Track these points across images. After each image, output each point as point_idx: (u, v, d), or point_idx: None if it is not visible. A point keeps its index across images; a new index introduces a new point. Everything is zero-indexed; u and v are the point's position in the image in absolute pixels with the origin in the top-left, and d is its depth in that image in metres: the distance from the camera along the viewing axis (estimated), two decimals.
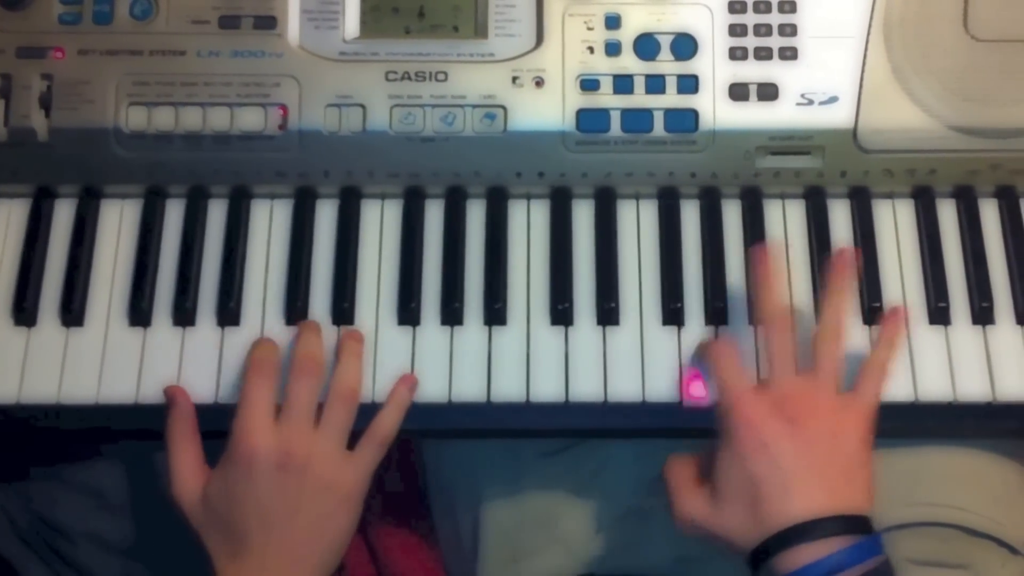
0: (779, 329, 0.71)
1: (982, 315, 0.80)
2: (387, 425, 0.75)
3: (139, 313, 0.79)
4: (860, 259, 0.79)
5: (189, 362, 0.78)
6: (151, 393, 0.77)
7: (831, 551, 0.64)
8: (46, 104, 0.79)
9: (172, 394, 0.74)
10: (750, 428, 0.66)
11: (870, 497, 0.67)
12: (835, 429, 0.67)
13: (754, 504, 0.66)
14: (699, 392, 0.75)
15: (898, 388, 0.78)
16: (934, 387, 0.78)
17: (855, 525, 0.65)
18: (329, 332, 0.79)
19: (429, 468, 0.90)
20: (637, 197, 0.82)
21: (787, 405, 0.67)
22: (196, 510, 0.72)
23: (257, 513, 0.70)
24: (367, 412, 0.76)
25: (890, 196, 0.83)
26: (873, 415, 0.70)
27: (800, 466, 0.66)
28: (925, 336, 0.80)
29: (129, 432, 0.80)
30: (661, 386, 0.78)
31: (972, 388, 0.78)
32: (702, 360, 0.74)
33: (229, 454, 0.71)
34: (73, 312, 0.79)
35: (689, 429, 0.78)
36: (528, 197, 0.82)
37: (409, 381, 0.76)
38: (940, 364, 0.79)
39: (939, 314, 0.80)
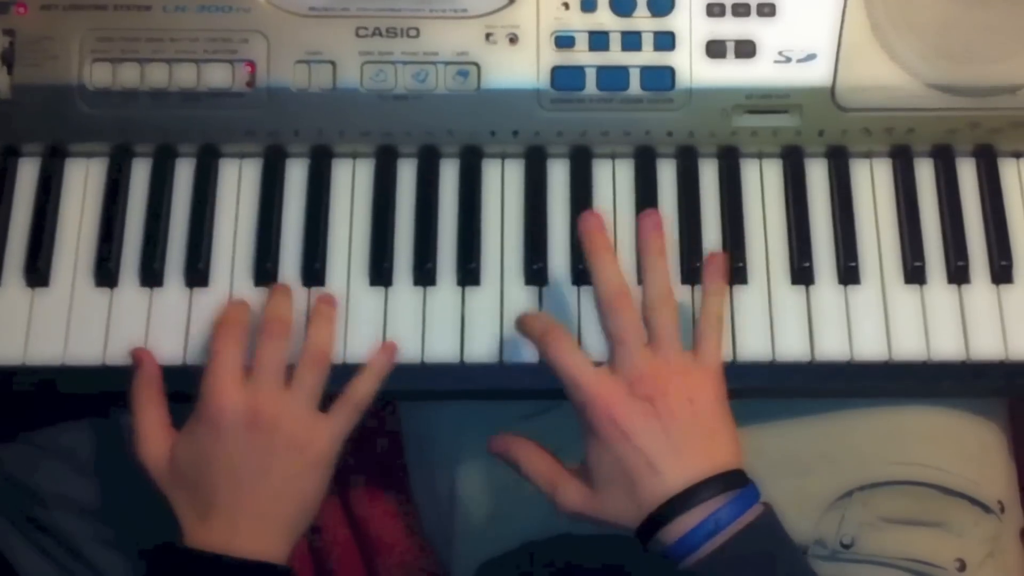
0: (620, 306, 0.69)
1: (958, 274, 0.79)
2: (362, 391, 0.74)
3: (106, 273, 0.78)
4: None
5: (157, 323, 0.77)
6: (119, 354, 0.76)
7: (709, 512, 0.65)
8: (8, 60, 0.77)
9: (138, 356, 0.74)
10: (611, 420, 0.67)
11: (737, 450, 0.68)
12: (690, 395, 0.68)
13: (630, 488, 0.66)
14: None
15: (872, 347, 0.78)
16: (909, 346, 0.78)
17: (728, 481, 0.66)
18: (300, 294, 0.78)
19: (407, 430, 0.90)
20: (613, 156, 0.81)
21: (639, 385, 0.67)
22: (163, 471, 0.71)
23: (226, 473, 0.69)
24: (338, 374, 0.75)
25: (868, 155, 0.82)
26: (720, 369, 0.70)
27: (665, 442, 0.66)
28: (900, 295, 0.79)
29: (100, 395, 0.79)
30: None
31: (947, 347, 0.78)
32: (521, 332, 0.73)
33: (198, 413, 0.71)
34: (38, 272, 0.77)
35: None
36: (502, 156, 0.81)
37: (389, 350, 0.75)
38: (915, 323, 0.79)
39: (915, 273, 0.79)
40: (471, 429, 0.85)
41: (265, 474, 0.70)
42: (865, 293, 0.79)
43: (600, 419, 0.67)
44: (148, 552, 0.81)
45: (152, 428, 0.72)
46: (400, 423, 0.89)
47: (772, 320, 0.78)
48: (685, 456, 0.66)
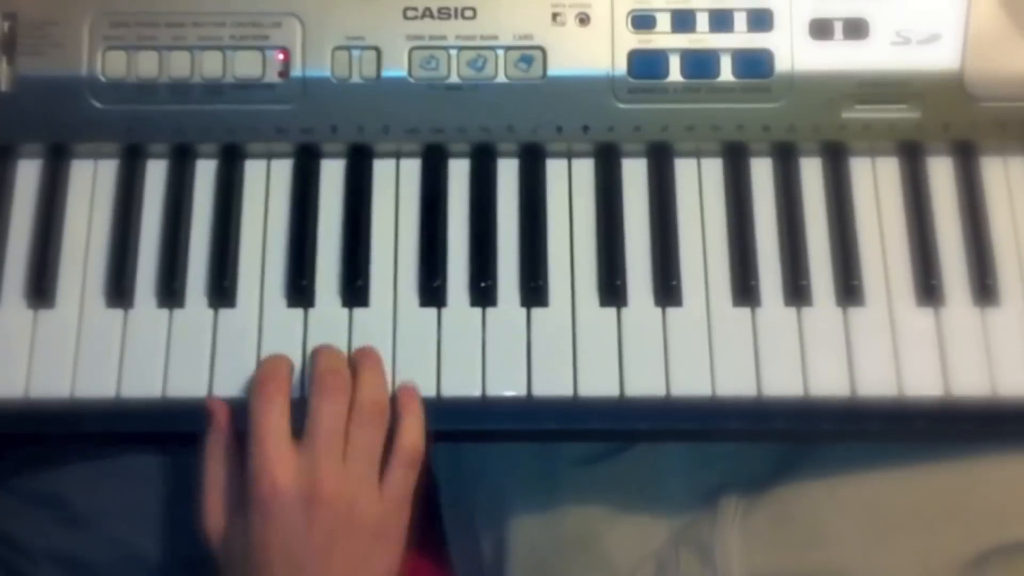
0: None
1: None
2: (412, 440, 0.66)
3: (119, 292, 0.70)
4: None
5: (178, 349, 0.70)
6: (134, 386, 0.69)
7: None
8: (9, 48, 0.71)
9: (211, 409, 0.67)
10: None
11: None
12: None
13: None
14: None
15: (1017, 380, 0.68)
16: None
17: None
18: (340, 316, 0.70)
19: (442, 476, 0.81)
20: (698, 155, 0.73)
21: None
22: (221, 549, 0.65)
23: (284, 558, 0.62)
24: None
25: (1002, 153, 0.74)
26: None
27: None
28: None
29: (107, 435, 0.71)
30: (735, 379, 0.68)
31: None
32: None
33: (249, 493, 0.64)
34: (42, 292, 0.70)
35: (760, 431, 0.69)
36: (569, 156, 0.73)
37: (409, 389, 0.68)
38: None
39: None
40: (522, 475, 0.77)
41: (328, 556, 0.63)
42: (1005, 316, 0.71)
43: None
44: None
45: (217, 498, 0.66)
46: (433, 465, 0.80)
47: (896, 348, 0.70)
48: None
